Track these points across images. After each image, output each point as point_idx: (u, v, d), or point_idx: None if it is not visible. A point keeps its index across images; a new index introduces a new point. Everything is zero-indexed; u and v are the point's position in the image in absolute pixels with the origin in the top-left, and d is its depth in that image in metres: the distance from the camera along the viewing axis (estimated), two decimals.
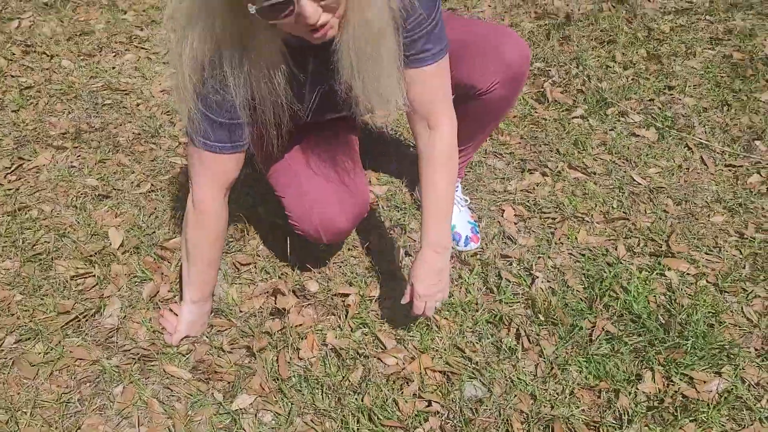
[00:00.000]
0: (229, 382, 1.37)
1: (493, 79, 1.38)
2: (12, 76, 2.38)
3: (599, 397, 1.36)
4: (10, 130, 2.09)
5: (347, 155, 1.49)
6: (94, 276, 1.58)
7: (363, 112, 1.21)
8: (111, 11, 2.88)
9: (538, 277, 1.62)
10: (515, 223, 1.80)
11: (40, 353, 1.40)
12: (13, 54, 2.53)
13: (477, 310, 1.53)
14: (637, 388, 1.37)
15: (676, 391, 1.37)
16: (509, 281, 1.62)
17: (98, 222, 1.75)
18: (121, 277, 1.58)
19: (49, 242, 1.68)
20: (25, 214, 1.77)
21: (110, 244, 1.68)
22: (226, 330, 1.47)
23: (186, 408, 1.31)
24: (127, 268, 1.61)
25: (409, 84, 1.20)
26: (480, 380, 1.38)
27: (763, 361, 1.44)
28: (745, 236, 1.77)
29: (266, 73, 1.09)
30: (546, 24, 2.85)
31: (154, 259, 1.64)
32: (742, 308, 1.56)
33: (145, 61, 2.52)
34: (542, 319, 1.50)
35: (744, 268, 1.67)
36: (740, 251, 1.73)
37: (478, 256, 1.69)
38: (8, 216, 1.75)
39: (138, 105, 2.25)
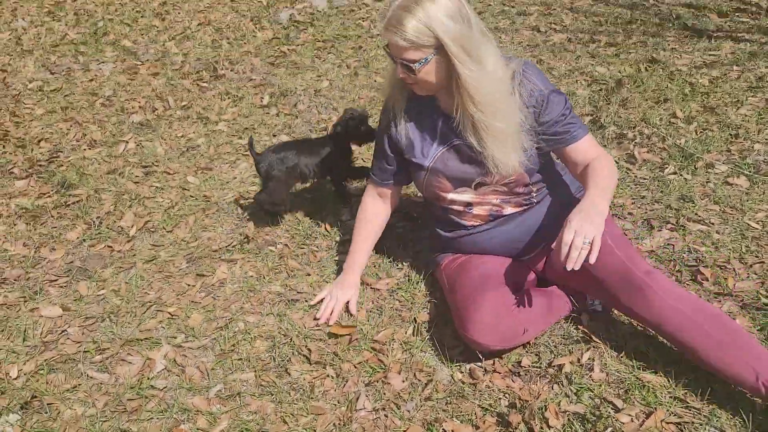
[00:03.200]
0: None
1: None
2: (148, 198, 2.54)
3: None
4: (177, 250, 2.24)
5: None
6: (330, 377, 1.73)
7: (491, 168, 1.65)
8: (205, 124, 3.09)
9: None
10: (672, 275, 2.01)
11: None
12: (137, 176, 2.69)
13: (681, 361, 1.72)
14: None
15: None
16: None
17: (301, 326, 1.90)
18: (353, 375, 1.73)
19: (270, 352, 1.82)
20: (234, 326, 1.91)
21: (327, 345, 1.83)
22: (469, 409, 1.63)
23: None
24: (351, 365, 1.77)
25: (569, 157, 1.70)
26: (713, 426, 1.56)
27: None
28: None
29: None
30: (599, 89, 3.16)
31: (372, 353, 1.80)
32: None
33: None
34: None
35: None
36: None
37: None
38: (221, 330, 1.89)
39: None
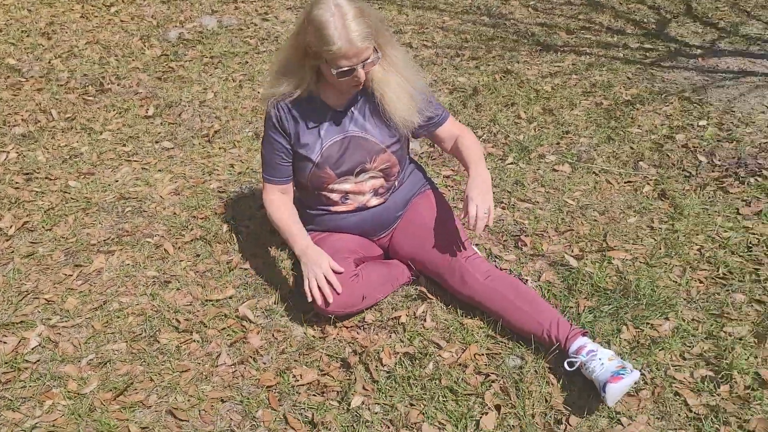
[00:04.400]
0: (338, 392, 1.78)
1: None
2: (28, 202, 2.66)
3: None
4: (55, 246, 2.39)
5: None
6: (196, 341, 1.94)
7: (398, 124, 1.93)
8: (89, 134, 3.22)
9: (528, 281, 2.19)
10: (495, 246, 2.37)
11: (183, 402, 1.74)
12: (17, 182, 2.80)
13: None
14: (620, 338, 1.95)
15: (645, 335, 1.96)
16: None
17: (173, 303, 2.11)
18: (216, 338, 1.95)
19: (142, 325, 2.01)
20: (109, 306, 2.09)
21: (196, 316, 2.04)
22: (317, 357, 1.89)
23: (315, 416, 1.71)
24: (216, 330, 1.99)
25: (440, 137, 2.08)
26: (516, 354, 1.90)
27: (691, 305, 2.08)
28: (654, 228, 2.47)
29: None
30: (459, 96, 3.56)
31: (236, 320, 2.03)
32: (667, 275, 2.22)
33: (142, 172, 2.90)
34: None
35: (660, 249, 2.35)
36: (654, 239, 2.41)
37: None
38: (96, 311, 2.06)
39: (156, 207, 2.62)
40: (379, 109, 1.93)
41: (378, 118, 1.96)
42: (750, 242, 2.35)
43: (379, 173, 2.01)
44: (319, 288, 1.86)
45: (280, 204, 2.04)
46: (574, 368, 1.74)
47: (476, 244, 2.37)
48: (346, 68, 1.73)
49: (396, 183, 2.09)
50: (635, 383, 1.74)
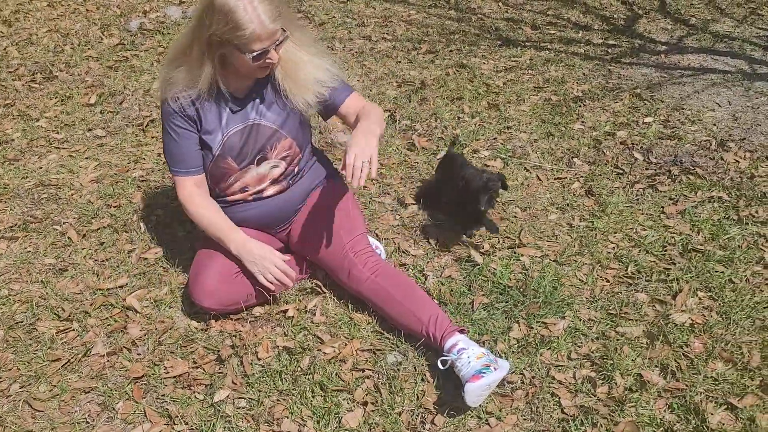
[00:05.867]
0: (206, 386, 1.74)
1: None
2: None
3: (483, 345, 1.86)
4: None
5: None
6: (74, 330, 1.91)
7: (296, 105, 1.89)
8: (25, 121, 3.20)
9: (428, 276, 2.13)
10: (406, 240, 2.32)
11: (44, 392, 1.70)
12: None
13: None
14: (509, 336, 1.89)
15: (536, 333, 1.90)
16: None
17: (63, 291, 2.07)
18: (96, 327, 1.92)
19: (25, 312, 1.98)
20: None
21: (82, 305, 2.00)
22: (194, 349, 1.85)
23: (177, 410, 1.67)
24: (97, 319, 1.95)
25: (344, 113, 1.97)
26: (398, 351, 1.85)
27: (591, 304, 2.02)
28: (573, 225, 2.40)
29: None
30: (407, 90, 3.50)
31: (121, 310, 1.99)
32: (575, 273, 2.15)
33: (68, 159, 2.87)
34: (437, 302, 2.00)
35: (574, 246, 2.28)
36: (570, 236, 2.34)
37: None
38: None
39: (72, 195, 2.59)
40: (282, 93, 1.88)
41: (280, 102, 1.90)
42: (666, 241, 2.28)
43: (281, 161, 1.96)
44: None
45: (200, 201, 1.93)
46: (446, 367, 1.69)
47: (384, 239, 2.32)
48: (259, 51, 1.69)
49: (296, 170, 2.03)
50: (501, 382, 1.68)
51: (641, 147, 2.88)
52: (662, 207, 2.47)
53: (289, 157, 1.96)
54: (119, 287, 2.08)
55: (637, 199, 2.53)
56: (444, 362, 1.69)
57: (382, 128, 1.87)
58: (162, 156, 2.85)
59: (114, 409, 1.68)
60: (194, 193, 1.92)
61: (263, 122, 1.90)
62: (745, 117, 3.11)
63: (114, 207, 2.51)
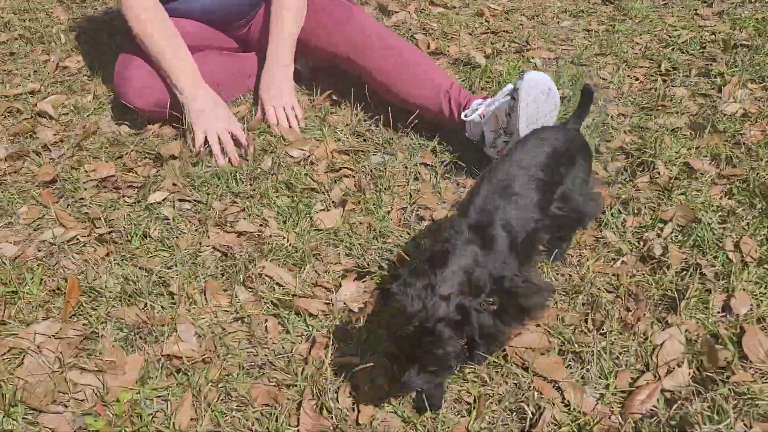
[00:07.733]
0: (138, 188, 1.35)
1: None
2: None
3: None
4: None
5: None
6: None
7: None
8: None
9: None
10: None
11: None
12: None
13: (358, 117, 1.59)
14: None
15: None
16: None
17: None
18: None
19: None
20: None
21: None
22: (125, 152, 1.45)
23: (100, 213, 1.28)
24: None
25: None
26: (385, 151, 1.47)
27: (620, 100, 1.64)
28: (591, 30, 1.99)
29: None
30: None
31: (32, 116, 1.57)
32: (597, 73, 1.77)
33: None
34: None
35: (593, 48, 1.89)
36: (588, 40, 1.94)
37: None
38: None
39: None
40: None
41: None
42: (704, 39, 1.89)
43: None
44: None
45: (149, 15, 1.43)
46: (471, 116, 1.38)
47: None
48: None
49: None
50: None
51: None
52: (695, 10, 2.07)
53: None
54: (29, 93, 1.65)
55: (664, 3, 2.12)
56: (469, 113, 1.39)
57: (299, 23, 1.56)
58: None
59: (15, 214, 1.29)
60: (141, 4, 1.43)
61: None
62: None
63: (29, 21, 2.03)
